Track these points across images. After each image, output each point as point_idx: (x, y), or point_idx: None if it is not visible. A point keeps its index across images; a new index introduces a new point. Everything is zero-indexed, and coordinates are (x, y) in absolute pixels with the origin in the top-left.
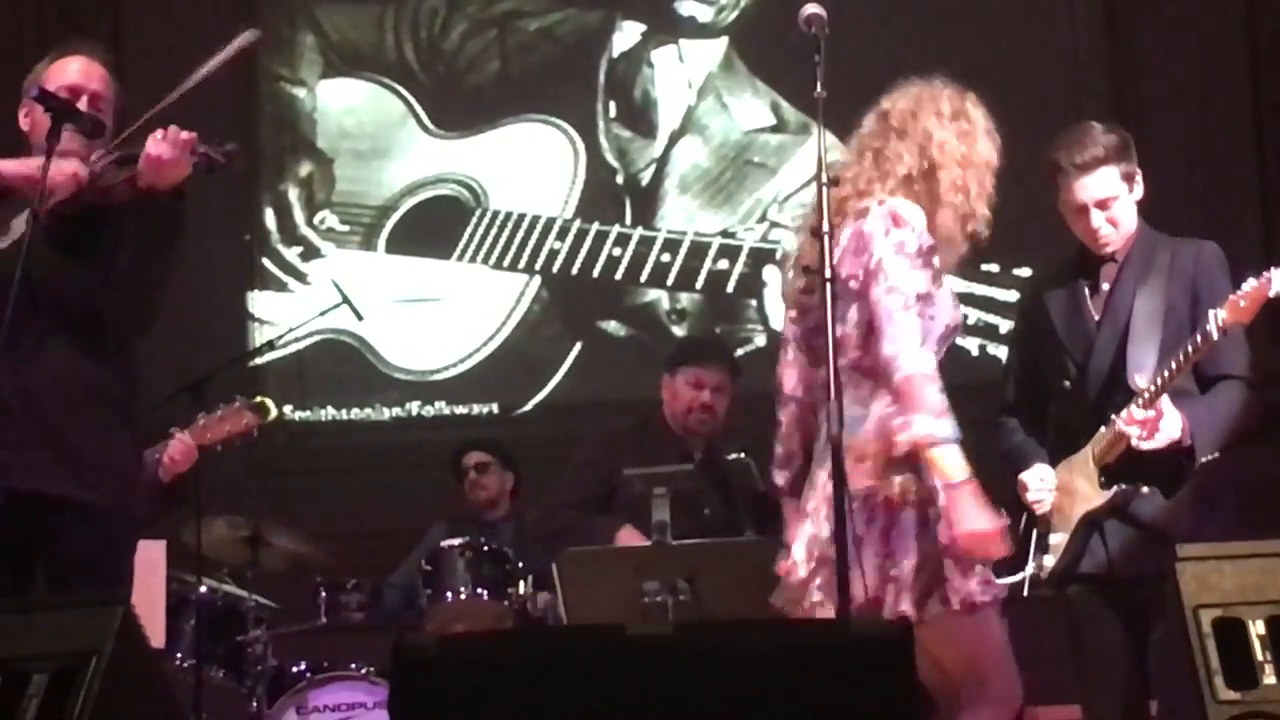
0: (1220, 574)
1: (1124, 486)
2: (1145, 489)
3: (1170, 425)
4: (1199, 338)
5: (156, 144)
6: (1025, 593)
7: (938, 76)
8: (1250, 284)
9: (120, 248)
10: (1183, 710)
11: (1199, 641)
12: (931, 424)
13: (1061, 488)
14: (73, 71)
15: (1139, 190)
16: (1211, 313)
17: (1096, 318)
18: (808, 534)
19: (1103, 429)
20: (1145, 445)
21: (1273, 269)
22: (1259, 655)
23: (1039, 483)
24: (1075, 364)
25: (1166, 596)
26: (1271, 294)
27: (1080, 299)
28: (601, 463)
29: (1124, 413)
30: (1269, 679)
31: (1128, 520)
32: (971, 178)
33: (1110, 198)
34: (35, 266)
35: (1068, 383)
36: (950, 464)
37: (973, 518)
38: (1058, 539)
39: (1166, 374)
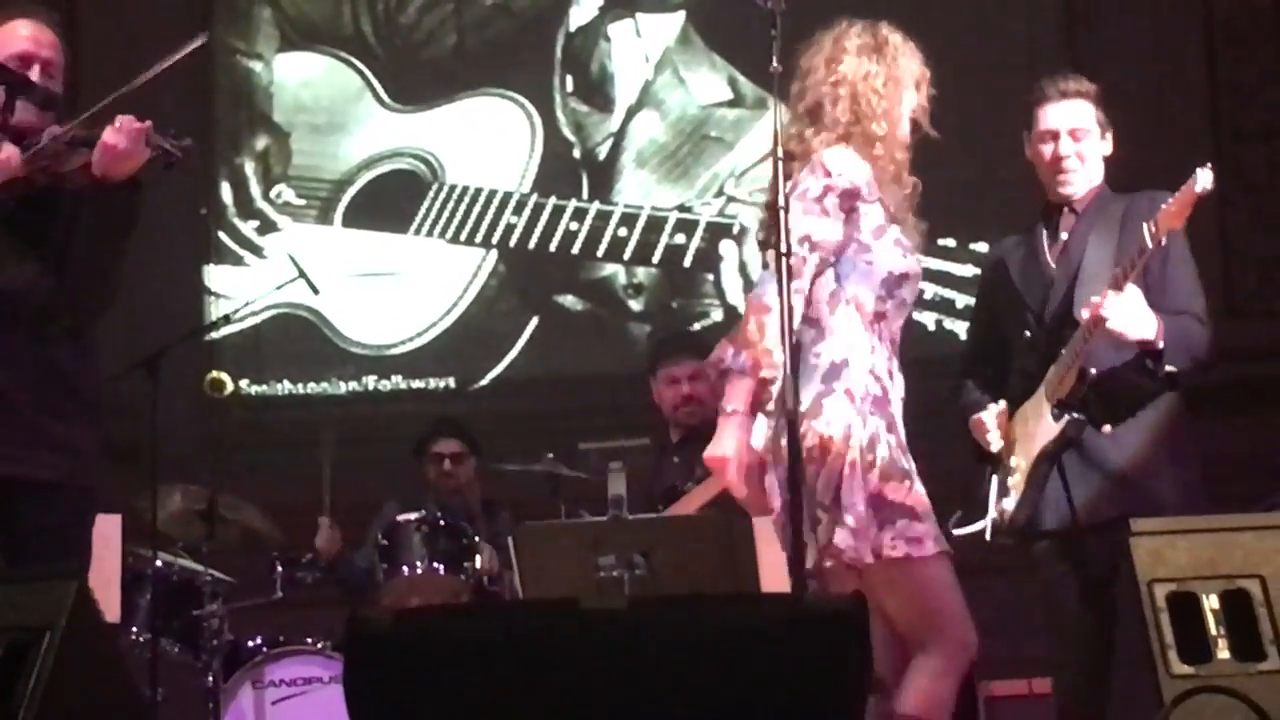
0: (1174, 548)
1: (1074, 416)
2: (1107, 428)
3: (1145, 325)
4: (1136, 250)
5: (113, 133)
6: (988, 538)
7: (843, 18)
8: (1179, 191)
9: (72, 234)
10: (1137, 684)
11: (1153, 616)
12: (726, 353)
13: (1020, 433)
14: (23, 38)
15: (1108, 146)
16: (1144, 224)
17: (1053, 266)
18: (773, 480)
19: (1052, 368)
20: (1117, 327)
21: (1198, 169)
22: (1212, 630)
23: (994, 419)
24: (1032, 313)
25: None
26: (1198, 190)
27: (1038, 249)
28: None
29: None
30: (1222, 653)
31: (1089, 467)
32: (904, 95)
33: (1083, 129)
34: None
35: (1027, 333)
36: (730, 392)
37: (717, 443)
38: (1016, 481)
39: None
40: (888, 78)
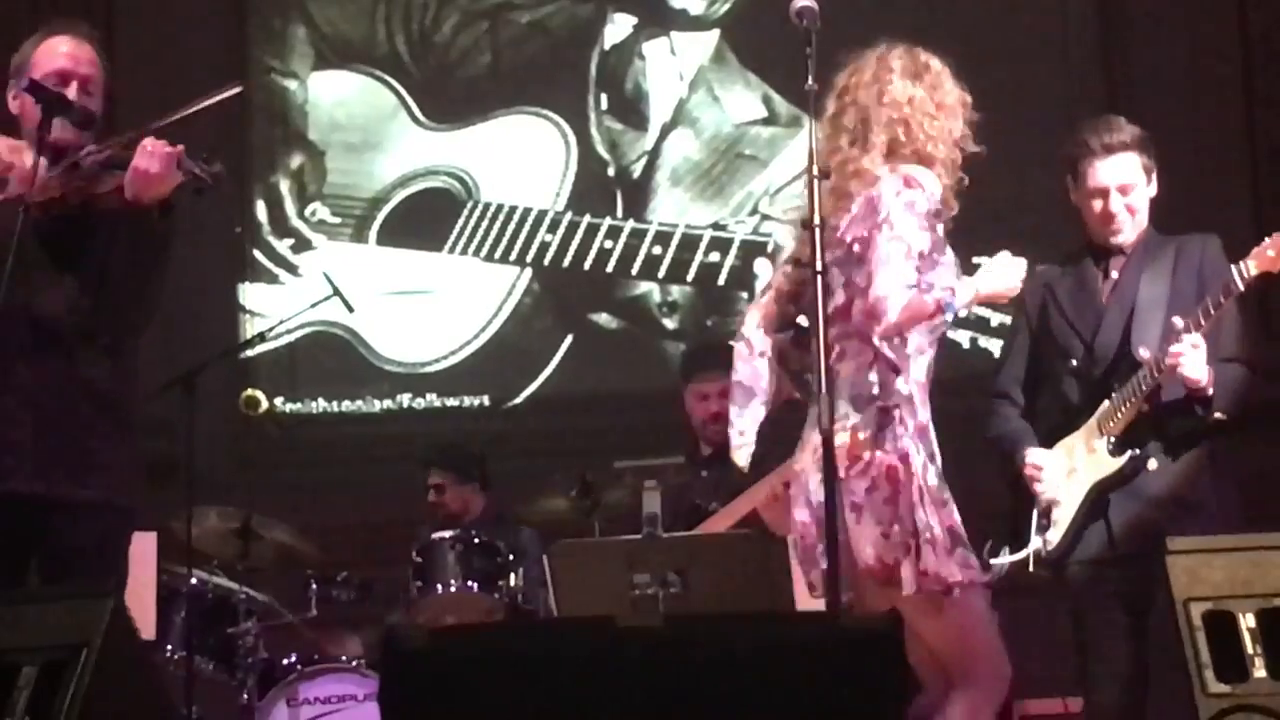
0: (1210, 567)
1: (1136, 452)
2: (1154, 463)
3: (1201, 370)
4: (1221, 292)
5: (144, 157)
6: (1030, 569)
7: (882, 41)
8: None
9: (109, 254)
10: (1173, 703)
11: (1189, 634)
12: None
13: (1065, 465)
14: (62, 55)
15: (1154, 187)
16: (1238, 265)
17: (1105, 300)
18: (803, 497)
19: (1106, 403)
20: (1187, 372)
21: None
22: (1249, 648)
23: (1045, 461)
24: (1083, 342)
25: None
26: None
27: (1090, 282)
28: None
29: (1172, 349)
30: (1259, 672)
31: (1131, 495)
32: (952, 123)
33: (1130, 184)
34: (26, 266)
35: (1074, 361)
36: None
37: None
38: (1060, 514)
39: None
40: (936, 103)
